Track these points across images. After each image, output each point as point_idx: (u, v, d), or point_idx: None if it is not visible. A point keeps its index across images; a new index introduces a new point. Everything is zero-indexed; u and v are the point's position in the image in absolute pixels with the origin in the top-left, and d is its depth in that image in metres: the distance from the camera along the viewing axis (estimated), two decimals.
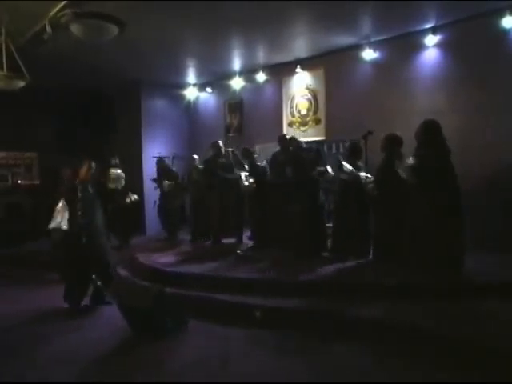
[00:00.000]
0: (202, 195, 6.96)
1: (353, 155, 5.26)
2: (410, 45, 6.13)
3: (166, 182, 7.32)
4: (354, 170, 5.08)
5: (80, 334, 4.05)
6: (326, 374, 3.13)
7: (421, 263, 4.40)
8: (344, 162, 5.14)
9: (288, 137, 6.20)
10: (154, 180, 7.62)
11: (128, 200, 7.17)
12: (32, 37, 5.51)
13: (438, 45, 5.91)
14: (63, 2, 4.63)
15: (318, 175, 5.42)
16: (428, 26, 5.83)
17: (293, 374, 3.18)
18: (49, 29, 5.04)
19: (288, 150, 5.96)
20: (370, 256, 5.08)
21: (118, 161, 7.48)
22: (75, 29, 3.68)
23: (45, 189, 8.34)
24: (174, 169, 7.59)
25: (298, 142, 5.87)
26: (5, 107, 7.86)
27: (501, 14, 5.20)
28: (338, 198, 5.35)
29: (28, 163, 9.44)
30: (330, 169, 5.47)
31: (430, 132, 4.41)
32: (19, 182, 9.16)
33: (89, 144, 8.90)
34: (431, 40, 5.90)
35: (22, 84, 5.24)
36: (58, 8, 4.77)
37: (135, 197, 7.31)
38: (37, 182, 9.32)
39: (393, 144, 4.86)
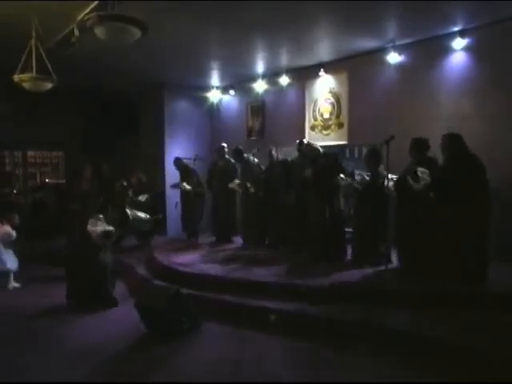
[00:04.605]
0: (223, 197, 7.05)
1: (372, 161, 5.18)
2: (437, 48, 5.97)
3: (184, 184, 7.39)
4: (364, 177, 5.03)
5: (93, 333, 4.12)
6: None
7: (445, 273, 4.31)
8: (356, 171, 5.11)
9: (305, 141, 6.21)
10: (173, 186, 7.72)
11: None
12: (60, 39, 5.67)
13: (466, 48, 5.74)
14: (92, 5, 4.76)
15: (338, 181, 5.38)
16: (456, 29, 5.67)
17: (305, 378, 3.16)
18: (76, 32, 5.17)
19: (305, 156, 5.94)
20: (392, 264, 4.99)
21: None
22: (99, 31, 3.75)
23: (70, 188, 8.57)
24: (194, 168, 7.61)
25: (313, 150, 5.77)
26: (33, 107, 8.12)
27: None
28: (356, 204, 5.28)
29: (55, 162, 9.72)
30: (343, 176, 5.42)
31: (455, 146, 4.36)
32: (46, 180, 9.44)
33: (113, 144, 9.13)
34: (459, 43, 5.73)
35: (49, 86, 5.38)
36: (86, 11, 4.90)
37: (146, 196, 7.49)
38: (63, 180, 9.58)
39: (417, 148, 4.76)
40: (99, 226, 4.80)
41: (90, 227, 4.75)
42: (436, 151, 4.62)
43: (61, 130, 9.03)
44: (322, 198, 5.40)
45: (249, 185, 6.59)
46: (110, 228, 4.87)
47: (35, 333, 4.13)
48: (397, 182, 4.79)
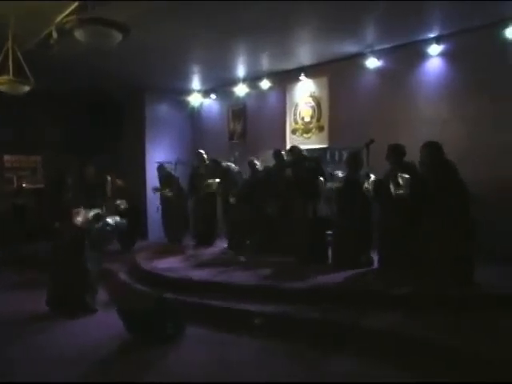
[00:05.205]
0: (205, 200, 7.06)
1: (352, 165, 5.27)
2: (414, 54, 6.13)
3: (167, 191, 7.34)
4: (343, 175, 5.11)
5: (76, 338, 4.06)
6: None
7: (429, 274, 4.38)
8: (335, 172, 5.23)
9: (289, 147, 6.37)
10: (156, 189, 7.65)
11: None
12: (38, 41, 5.57)
13: (442, 54, 5.91)
14: (71, 7, 4.70)
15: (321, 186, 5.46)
16: (432, 35, 5.83)
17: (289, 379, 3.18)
18: (55, 34, 5.10)
19: (281, 165, 6.07)
20: (374, 265, 5.06)
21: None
22: (79, 34, 3.70)
23: (48, 192, 8.39)
24: (175, 174, 7.59)
25: (300, 151, 5.89)
26: (11, 111, 7.92)
27: (504, 24, 5.20)
28: (338, 206, 5.35)
29: (33, 166, 9.50)
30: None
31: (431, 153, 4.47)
32: (23, 185, 9.22)
33: (93, 149, 8.97)
34: (435, 49, 5.90)
35: (26, 88, 5.29)
36: (65, 14, 4.84)
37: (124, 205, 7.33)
38: (41, 185, 9.37)
39: (395, 154, 4.85)
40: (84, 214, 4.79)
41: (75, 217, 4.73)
42: (415, 155, 4.71)
43: (40, 135, 8.85)
44: (306, 200, 5.45)
45: (231, 197, 6.57)
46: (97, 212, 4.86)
47: (19, 338, 4.06)
48: (377, 185, 4.86)
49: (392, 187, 4.56)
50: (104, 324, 4.36)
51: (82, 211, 4.78)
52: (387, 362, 3.30)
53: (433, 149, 4.47)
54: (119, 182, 7.46)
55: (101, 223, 4.91)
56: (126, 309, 4.07)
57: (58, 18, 4.94)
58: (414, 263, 4.53)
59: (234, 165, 7.02)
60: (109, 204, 5.26)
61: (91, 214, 4.83)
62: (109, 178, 5.71)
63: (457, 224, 4.25)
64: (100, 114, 9.16)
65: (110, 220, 5.00)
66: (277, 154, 6.31)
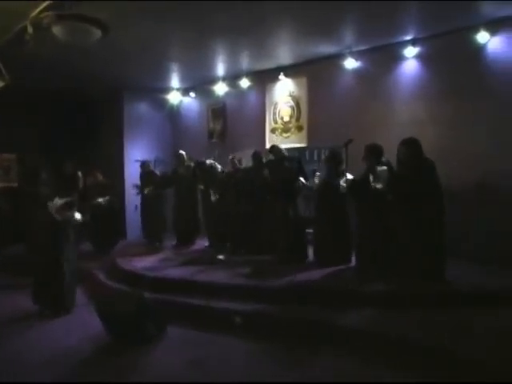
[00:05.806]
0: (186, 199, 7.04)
1: (333, 162, 5.35)
2: (391, 55, 6.26)
3: (149, 189, 7.29)
4: (323, 178, 5.16)
5: (56, 340, 4.01)
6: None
7: (403, 272, 4.47)
8: (317, 172, 5.27)
9: (269, 146, 6.37)
10: (136, 186, 7.56)
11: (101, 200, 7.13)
12: (13, 37, 5.43)
13: (417, 56, 6.06)
14: (45, 3, 4.59)
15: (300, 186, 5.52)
16: (408, 37, 5.98)
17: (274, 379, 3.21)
18: (30, 29, 4.97)
19: (259, 168, 6.11)
20: (352, 263, 5.14)
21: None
22: (57, 31, 3.64)
23: (23, 191, 8.18)
24: (157, 172, 7.57)
25: (280, 151, 5.92)
26: None
27: (476, 29, 5.37)
28: (317, 205, 5.42)
29: (6, 165, 9.24)
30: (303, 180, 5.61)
31: (412, 150, 4.53)
32: None
33: (70, 147, 8.80)
34: (411, 51, 6.05)
35: (0, 85, 5.16)
36: (40, 9, 4.73)
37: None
38: (15, 184, 9.12)
39: (373, 153, 4.93)
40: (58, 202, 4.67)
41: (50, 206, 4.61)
42: (393, 155, 4.80)
43: (14, 132, 8.59)
44: (285, 199, 5.50)
45: (212, 194, 6.55)
46: (69, 199, 4.74)
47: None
48: (352, 184, 4.92)
49: (372, 181, 4.63)
50: (84, 325, 4.31)
51: (56, 201, 4.67)
52: (371, 361, 3.34)
53: (411, 146, 4.52)
54: (100, 176, 7.37)
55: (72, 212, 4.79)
56: (105, 310, 4.02)
57: (33, 14, 4.83)
58: (391, 261, 4.63)
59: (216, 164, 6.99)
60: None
61: (61, 202, 4.70)
62: (79, 174, 5.60)
63: (430, 222, 4.35)
64: (78, 112, 8.97)
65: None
66: (255, 156, 6.33)
